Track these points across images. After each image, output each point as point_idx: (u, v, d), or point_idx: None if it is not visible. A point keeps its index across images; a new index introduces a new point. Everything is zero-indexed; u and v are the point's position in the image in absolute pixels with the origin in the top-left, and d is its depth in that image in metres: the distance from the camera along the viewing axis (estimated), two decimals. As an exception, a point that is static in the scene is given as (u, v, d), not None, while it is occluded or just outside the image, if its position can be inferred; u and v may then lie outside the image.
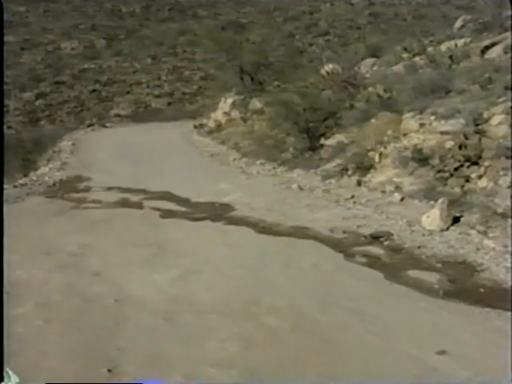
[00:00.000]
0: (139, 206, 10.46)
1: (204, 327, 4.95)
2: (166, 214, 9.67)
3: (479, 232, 7.14)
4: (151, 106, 33.68)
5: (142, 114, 31.86)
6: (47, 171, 15.34)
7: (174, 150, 18.57)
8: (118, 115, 31.81)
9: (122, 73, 37.77)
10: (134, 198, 11.13)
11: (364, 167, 10.49)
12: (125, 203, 10.75)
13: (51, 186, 13.10)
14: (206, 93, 33.34)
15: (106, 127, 28.55)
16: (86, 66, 38.15)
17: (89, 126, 28.51)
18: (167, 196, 11.06)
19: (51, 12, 47.05)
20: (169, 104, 33.97)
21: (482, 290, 5.71)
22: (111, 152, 18.41)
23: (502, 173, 7.97)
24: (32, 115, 30.74)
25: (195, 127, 24.07)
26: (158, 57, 40.65)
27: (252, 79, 21.97)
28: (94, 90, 34.95)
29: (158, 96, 34.71)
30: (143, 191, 11.66)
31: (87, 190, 12.42)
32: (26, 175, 15.21)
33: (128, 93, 35.13)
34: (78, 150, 19.63)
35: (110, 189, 12.20)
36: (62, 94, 34.18)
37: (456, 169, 8.57)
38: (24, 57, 38.50)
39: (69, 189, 12.61)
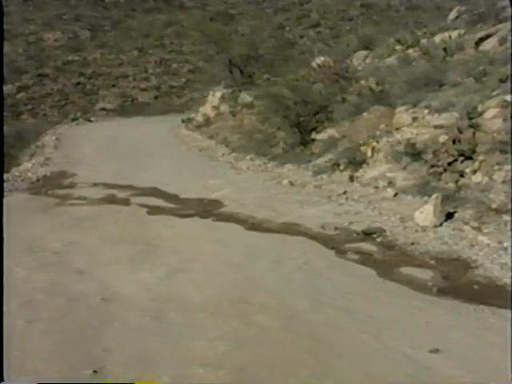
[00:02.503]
0: (126, 202, 10.42)
1: (192, 326, 4.95)
2: (154, 210, 9.65)
3: (473, 228, 7.19)
4: (138, 99, 33.56)
5: (128, 108, 31.73)
6: (30, 167, 15.23)
7: (162, 145, 18.50)
8: (103, 109, 31.66)
9: (108, 65, 37.56)
10: (121, 194, 11.09)
11: (356, 162, 10.51)
12: (111, 200, 10.71)
13: (35, 182, 13.02)
14: (194, 86, 33.26)
15: (90, 121, 28.38)
16: (69, 58, 37.89)
17: (73, 120, 28.32)
18: (155, 192, 11.04)
19: (32, 1, 46.64)
20: (156, 97, 33.86)
21: (476, 287, 5.75)
22: (97, 147, 18.32)
23: (496, 167, 8.01)
24: (13, 109, 30.48)
25: (183, 121, 23.99)
26: (144, 49, 40.49)
27: (241, 72, 21.93)
28: (78, 83, 34.74)
29: (145, 89, 34.60)
30: (130, 187, 11.62)
31: (72, 186, 12.35)
32: (7, 171, 15.09)
33: (114, 86, 34.96)
34: (62, 145, 19.50)
35: (95, 185, 12.15)
36: (44, 86, 33.93)
37: (450, 163, 8.62)
38: (4, 48, 38.14)
39: (53, 185, 12.54)
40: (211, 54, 23.86)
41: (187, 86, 35.25)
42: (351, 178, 10.25)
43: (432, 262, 6.42)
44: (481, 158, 8.31)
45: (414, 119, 10.02)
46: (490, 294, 5.50)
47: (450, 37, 13.86)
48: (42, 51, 38.52)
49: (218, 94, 22.00)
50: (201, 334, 4.78)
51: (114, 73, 36.55)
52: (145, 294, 5.79)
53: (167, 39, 42.02)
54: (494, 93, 9.24)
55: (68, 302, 5.64)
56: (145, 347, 4.59)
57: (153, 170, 13.57)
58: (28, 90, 33.19)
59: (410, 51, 14.93)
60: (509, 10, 12.02)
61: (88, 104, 32.43)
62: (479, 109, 8.97)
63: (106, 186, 11.98)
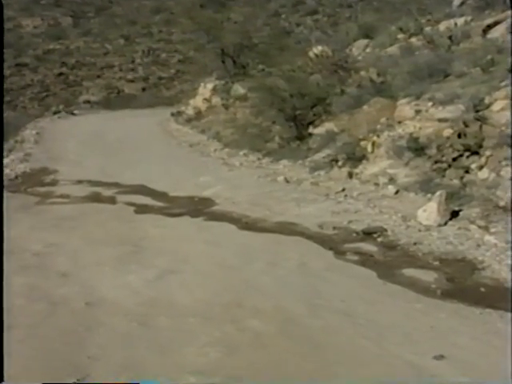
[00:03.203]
0: (112, 200, 10.41)
1: (182, 332, 4.94)
2: (141, 209, 9.65)
3: (480, 227, 7.21)
4: (124, 91, 33.48)
5: (114, 101, 31.64)
6: (9, 163, 15.16)
7: (150, 139, 18.47)
8: (87, 101, 31.55)
9: (92, 55, 37.42)
10: (106, 192, 11.08)
11: (355, 158, 10.53)
12: (96, 198, 10.69)
13: (13, 180, 12.96)
14: (185, 77, 33.24)
15: (74, 115, 28.30)
16: (50, 46, 37.70)
17: (55, 113, 28.21)
18: (142, 190, 11.03)
19: (8, -16, 46.38)
20: (143, 89, 33.79)
21: (482, 289, 5.77)
22: (80, 142, 18.27)
23: (504, 163, 8.03)
24: (-10, 101, 30.31)
25: (172, 115, 23.96)
26: (131, 37, 40.37)
27: (234, 62, 21.89)
28: (60, 74, 34.59)
29: (132, 81, 34.52)
30: (116, 185, 11.60)
31: (54, 183, 12.32)
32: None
33: (98, 77, 34.85)
34: (44, 140, 19.44)
35: (79, 182, 12.12)
36: (24, 77, 33.75)
37: (455, 159, 8.63)
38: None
39: (33, 182, 12.50)
40: (202, 43, 23.81)
41: (177, 77, 35.21)
42: (350, 175, 10.26)
43: (436, 263, 6.44)
44: (488, 152, 8.33)
45: (417, 112, 10.04)
46: (498, 297, 5.50)
47: (456, 24, 13.84)
48: (20, 39, 38.24)
49: (210, 86, 21.97)
50: (191, 339, 4.78)
51: (99, 63, 36.44)
52: (132, 297, 5.78)
53: (155, 27, 41.91)
54: (503, 83, 9.24)
55: (49, 307, 5.62)
56: (132, 354, 4.59)
57: (140, 166, 13.55)
58: (6, 81, 33.01)
59: (413, 40, 14.93)
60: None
61: (71, 96, 32.31)
62: (486, 101, 8.99)
63: (91, 183, 11.95)
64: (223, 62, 22.04)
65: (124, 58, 37.41)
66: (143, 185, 11.40)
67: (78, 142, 18.20)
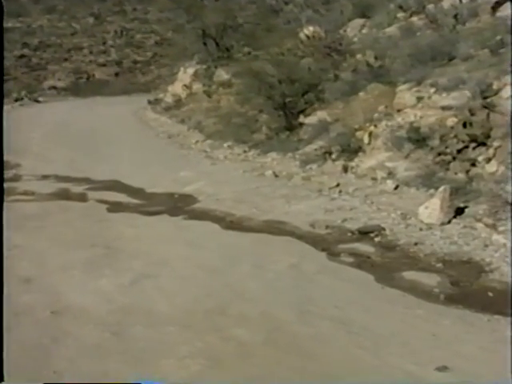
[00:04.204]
0: (82, 197, 10.37)
1: (160, 342, 4.93)
2: (115, 207, 9.63)
3: (487, 225, 7.24)
4: (95, 76, 33.39)
5: (83, 87, 31.53)
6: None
7: (124, 130, 18.43)
8: (53, 87, 31.40)
9: (58, 35, 37.19)
10: (76, 188, 11.04)
11: (351, 150, 10.56)
12: (64, 195, 10.65)
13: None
14: (162, 61, 33.17)
15: (38, 102, 28.17)
16: (9, 24, 37.34)
17: (16, 100, 28.05)
18: (116, 186, 11.02)
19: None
20: (116, 74, 33.72)
21: (490, 293, 5.80)
22: (46, 133, 18.17)
23: (513, 155, 8.08)
24: None
25: (149, 103, 23.93)
26: (101, 16, 40.21)
27: (217, 45, 21.88)
28: (21, 56, 34.37)
29: (103, 64, 34.43)
30: (86, 180, 11.57)
31: (16, 179, 12.23)
32: None
33: (66, 60, 34.69)
34: (4, 130, 19.27)
35: (45, 177, 12.06)
36: (-20, 60, 33.50)
37: (460, 151, 8.67)
38: None
39: (-7, 178, 12.40)
40: (181, 22, 23.77)
41: (153, 60, 35.16)
42: (345, 169, 10.29)
43: (439, 265, 6.47)
44: (496, 143, 8.37)
45: (419, 99, 10.08)
46: (507, 303, 5.52)
47: (461, 1, 13.91)
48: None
49: (190, 71, 21.95)
50: (170, 350, 4.78)
51: (66, 44, 36.25)
52: (104, 305, 5.76)
53: (128, 4, 41.81)
54: (512, 67, 9.29)
55: (11, 317, 5.58)
56: (103, 368, 4.57)
57: (114, 159, 13.51)
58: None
59: (415, 19, 14.98)
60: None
61: (34, 81, 32.14)
62: (495, 86, 9.03)
63: (58, 178, 11.90)
64: (205, 44, 22.01)
65: (94, 38, 37.27)
66: (117, 180, 11.38)
67: (43, 133, 18.10)
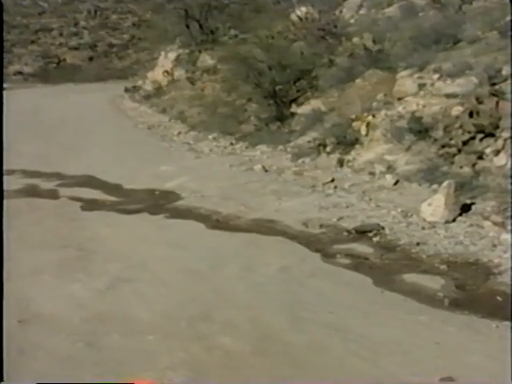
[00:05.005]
0: (53, 195, 10.33)
1: (139, 352, 4.92)
2: (90, 205, 9.61)
3: (495, 224, 7.27)
4: (66, 61, 33.26)
5: (53, 72, 31.39)
6: None
7: (100, 120, 18.38)
8: (19, 73, 31.24)
9: (23, 14, 36.96)
10: (46, 184, 11.00)
11: (347, 142, 10.57)
12: (33, 191, 10.61)
13: None
14: (141, 45, 33.05)
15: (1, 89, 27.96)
16: (-34, 2, 37.12)
17: (-23, 87, 27.87)
18: (91, 182, 11.01)
19: None
20: (90, 59, 33.60)
21: (499, 298, 5.82)
22: (11, 123, 18.03)
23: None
24: None
25: (127, 90, 23.88)
26: (73, -6, 40.05)
27: (201, 27, 21.85)
28: (-17, 39, 34.14)
29: (76, 48, 34.28)
30: (58, 175, 11.54)
31: (-21, 174, 12.17)
32: None
33: (33, 42, 34.51)
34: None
35: (10, 172, 11.96)
36: None
37: (465, 142, 8.70)
38: None
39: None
40: (161, 2, 23.73)
41: (131, 44, 35.08)
42: (341, 163, 10.31)
43: (443, 267, 6.50)
44: (505, 134, 8.40)
45: (421, 86, 10.11)
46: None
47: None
48: None
49: (172, 56, 21.90)
50: (150, 362, 4.77)
51: (33, 25, 36.05)
52: (77, 312, 5.74)
53: (103, -18, 41.63)
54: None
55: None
56: (76, 381, 4.55)
57: (88, 153, 13.48)
58: None
59: (417, -2, 15.03)
60: None
61: (-2, 66, 31.90)
62: (504, 72, 9.06)
63: (26, 173, 11.86)
64: (187, 26, 21.96)
65: (65, 19, 37.09)
66: (92, 175, 11.36)
67: (8, 124, 17.97)
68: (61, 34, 35.29)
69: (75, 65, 32.56)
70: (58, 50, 33.80)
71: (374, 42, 12.53)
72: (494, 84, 8.93)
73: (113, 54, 34.42)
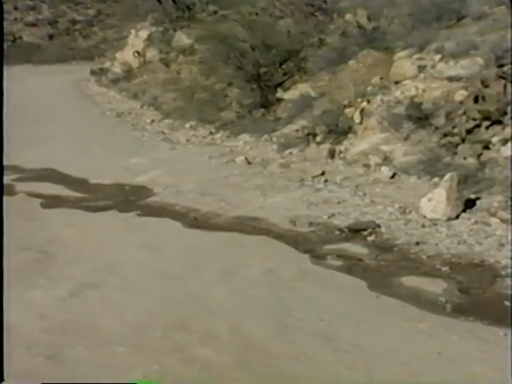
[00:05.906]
0: (8, 190, 10.23)
1: (108, 366, 4.93)
2: (51, 201, 9.58)
3: (503, 220, 7.32)
4: (22, 39, 32.96)
5: (8, 52, 31.04)
6: None
7: (62, 107, 18.29)
8: (-32, 53, 30.99)
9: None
10: (1, 178, 10.93)
11: (339, 131, 10.60)
12: (-15, 187, 10.54)
13: None
14: (108, 21, 32.91)
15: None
16: None
17: None
18: (52, 175, 10.98)
19: None
20: (51, 37, 33.36)
21: (506, 302, 5.86)
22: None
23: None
24: None
25: (93, 73, 23.78)
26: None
27: (175, 2, 21.76)
28: None
29: (33, 24, 34.01)
30: (14, 168, 11.43)
31: None
32: None
33: (-17, 19, 34.21)
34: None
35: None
36: None
37: (470, 131, 8.74)
38: None
39: None
40: (131, -26, 23.61)
41: (97, 20, 34.85)
42: (332, 154, 10.33)
43: (445, 269, 6.54)
44: (513, 122, 8.46)
45: (421, 69, 10.14)
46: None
47: None
48: None
49: (143, 34, 21.82)
50: (120, 376, 4.76)
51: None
52: (37, 322, 5.73)
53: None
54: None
55: None
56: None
57: (49, 143, 13.41)
58: None
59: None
60: None
61: None
62: (513, 52, 9.10)
63: (-22, 167, 11.78)
64: (160, 1, 21.88)
65: (20, -10, 36.78)
66: (53, 169, 11.33)
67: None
68: (15, 8, 34.91)
69: (33, 43, 32.31)
70: (12, 26, 33.42)
71: (369, 18, 12.57)
72: (501, 65, 8.95)
73: (76, 31, 34.14)
